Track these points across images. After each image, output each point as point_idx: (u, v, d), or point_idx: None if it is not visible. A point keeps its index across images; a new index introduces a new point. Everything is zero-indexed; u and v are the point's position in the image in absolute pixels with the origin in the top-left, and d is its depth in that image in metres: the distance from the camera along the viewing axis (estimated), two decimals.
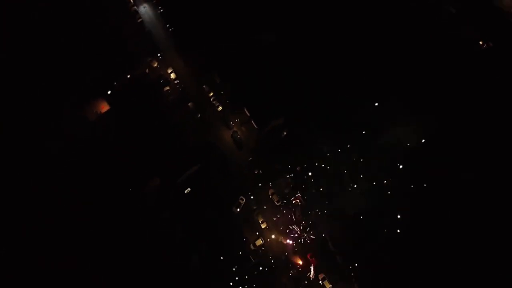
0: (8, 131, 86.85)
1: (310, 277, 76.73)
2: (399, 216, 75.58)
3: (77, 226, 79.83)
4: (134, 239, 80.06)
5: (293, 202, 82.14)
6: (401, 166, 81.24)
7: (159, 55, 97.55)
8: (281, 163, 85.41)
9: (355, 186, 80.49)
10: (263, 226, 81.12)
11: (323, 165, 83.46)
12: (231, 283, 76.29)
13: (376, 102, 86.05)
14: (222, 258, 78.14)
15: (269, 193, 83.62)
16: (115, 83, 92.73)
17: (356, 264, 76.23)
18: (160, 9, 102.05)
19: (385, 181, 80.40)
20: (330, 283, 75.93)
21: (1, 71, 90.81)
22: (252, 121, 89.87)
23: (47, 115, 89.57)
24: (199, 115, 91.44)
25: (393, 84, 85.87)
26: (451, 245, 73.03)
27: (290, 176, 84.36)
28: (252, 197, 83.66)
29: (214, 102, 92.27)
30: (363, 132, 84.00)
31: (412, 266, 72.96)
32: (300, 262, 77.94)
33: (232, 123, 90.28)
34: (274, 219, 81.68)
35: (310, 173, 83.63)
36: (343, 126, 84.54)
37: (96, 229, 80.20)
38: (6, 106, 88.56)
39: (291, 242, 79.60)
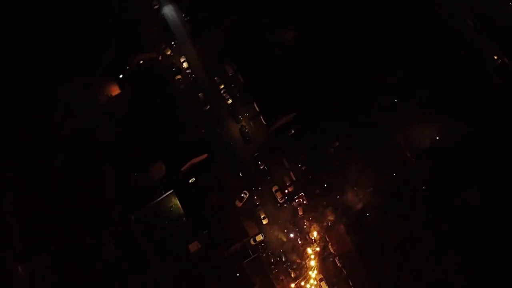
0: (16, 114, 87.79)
1: (309, 277, 76.68)
2: (402, 220, 74.87)
3: (80, 214, 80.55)
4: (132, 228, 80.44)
5: (296, 200, 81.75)
6: (407, 169, 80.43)
7: (173, 43, 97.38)
8: (287, 161, 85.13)
9: (360, 187, 79.98)
10: (264, 222, 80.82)
11: (328, 165, 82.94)
12: (229, 278, 75.65)
13: (385, 103, 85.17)
14: (221, 251, 77.58)
15: (273, 190, 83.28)
16: (127, 67, 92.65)
17: (355, 267, 75.81)
18: None
19: (390, 184, 79.52)
20: (327, 284, 75.63)
21: (15, 53, 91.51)
22: (261, 117, 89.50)
23: (56, 99, 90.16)
24: (208, 107, 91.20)
25: (405, 86, 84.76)
26: (455, 250, 71.37)
27: (295, 174, 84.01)
28: (255, 192, 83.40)
29: (224, 94, 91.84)
30: (371, 132, 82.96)
31: (412, 271, 72.23)
32: (299, 261, 77.74)
33: (241, 117, 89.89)
34: (276, 216, 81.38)
35: (315, 173, 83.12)
36: (350, 127, 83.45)
37: (98, 217, 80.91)
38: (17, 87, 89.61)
39: (291, 240, 79.35)
